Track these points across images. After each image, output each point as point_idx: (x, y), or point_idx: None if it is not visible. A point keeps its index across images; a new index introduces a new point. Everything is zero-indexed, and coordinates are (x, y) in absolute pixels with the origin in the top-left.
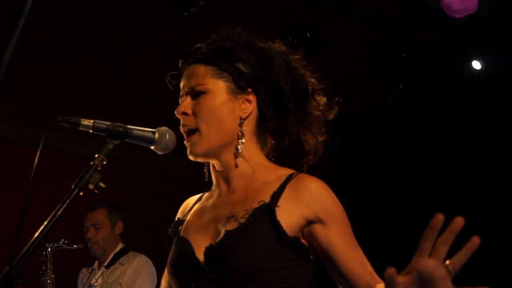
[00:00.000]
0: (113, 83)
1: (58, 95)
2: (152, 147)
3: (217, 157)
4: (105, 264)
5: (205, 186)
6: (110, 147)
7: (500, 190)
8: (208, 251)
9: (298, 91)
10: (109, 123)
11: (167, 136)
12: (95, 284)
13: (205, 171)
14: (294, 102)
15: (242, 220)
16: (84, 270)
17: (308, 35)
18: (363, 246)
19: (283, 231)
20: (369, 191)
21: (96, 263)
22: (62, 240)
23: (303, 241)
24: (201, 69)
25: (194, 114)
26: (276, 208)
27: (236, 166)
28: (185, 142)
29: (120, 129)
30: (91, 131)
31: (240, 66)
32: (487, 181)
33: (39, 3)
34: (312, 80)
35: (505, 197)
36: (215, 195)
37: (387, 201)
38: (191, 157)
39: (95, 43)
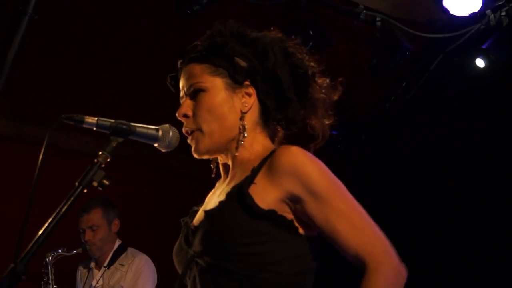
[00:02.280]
0: (117, 81)
1: (62, 93)
2: (156, 145)
3: (221, 152)
4: (105, 264)
5: (208, 184)
6: (114, 145)
7: (505, 190)
8: (191, 232)
9: (298, 77)
10: (112, 120)
11: (171, 133)
12: (96, 285)
13: (212, 167)
14: (294, 89)
15: (221, 199)
16: (82, 269)
17: (311, 33)
18: None
19: (253, 203)
20: (372, 190)
21: (93, 263)
22: (60, 248)
23: (285, 215)
24: (197, 68)
25: (195, 115)
26: (252, 183)
27: (237, 156)
28: (188, 141)
29: (124, 127)
30: (94, 128)
31: (236, 60)
32: (491, 181)
33: (43, 2)
34: (312, 63)
35: (510, 196)
36: (221, 183)
37: (390, 200)
38: (195, 155)
39: (98, 41)
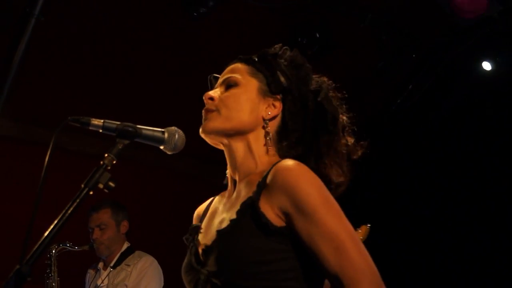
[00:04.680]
0: (123, 83)
1: (68, 94)
2: (162, 147)
3: (227, 140)
4: (111, 264)
5: (210, 186)
6: (120, 147)
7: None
8: (203, 252)
9: (333, 120)
10: (118, 122)
11: (177, 136)
12: (101, 284)
13: (227, 174)
14: (331, 126)
15: (233, 217)
16: (91, 271)
17: (317, 35)
18: (368, 246)
19: (267, 220)
20: (377, 193)
21: (101, 263)
22: (67, 242)
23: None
24: (241, 66)
25: (220, 100)
26: (260, 200)
27: (245, 159)
28: (202, 118)
29: (130, 129)
30: (101, 130)
31: (277, 73)
32: (497, 184)
33: (49, 3)
34: (345, 118)
35: None
36: (226, 197)
37: (395, 203)
38: (202, 133)
39: (104, 43)
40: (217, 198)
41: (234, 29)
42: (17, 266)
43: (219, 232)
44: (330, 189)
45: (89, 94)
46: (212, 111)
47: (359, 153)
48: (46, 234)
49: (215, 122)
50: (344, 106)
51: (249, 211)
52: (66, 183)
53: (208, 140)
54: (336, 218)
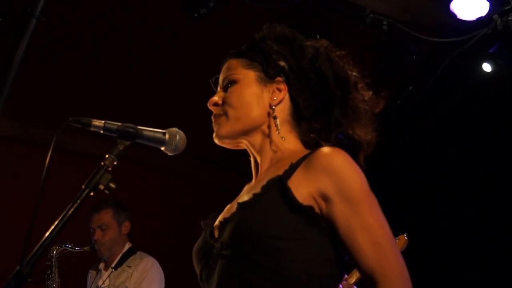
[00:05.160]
0: (123, 83)
1: (68, 95)
2: (162, 148)
3: (245, 139)
4: (113, 265)
5: (211, 186)
6: (121, 148)
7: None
8: (220, 224)
9: (339, 80)
10: (119, 123)
11: (177, 137)
12: (102, 285)
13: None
14: (337, 89)
15: (256, 191)
16: (92, 272)
17: (318, 36)
18: None
19: (293, 195)
20: (378, 194)
21: (102, 264)
22: (68, 243)
23: (319, 214)
24: (234, 62)
25: (224, 102)
26: (289, 178)
27: (267, 151)
28: (213, 125)
29: (131, 130)
30: (101, 131)
31: (271, 56)
32: (497, 184)
33: (50, 4)
34: (355, 73)
35: None
36: (251, 184)
37: (396, 204)
38: (216, 141)
39: (105, 43)
40: (246, 187)
41: (235, 30)
42: (18, 267)
43: (240, 204)
44: (362, 149)
45: (89, 95)
46: (219, 115)
47: (381, 105)
48: (46, 235)
49: (225, 127)
50: (351, 61)
51: (275, 185)
52: (66, 183)
53: (225, 145)
54: (377, 214)
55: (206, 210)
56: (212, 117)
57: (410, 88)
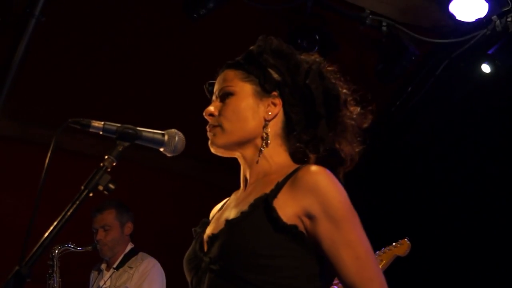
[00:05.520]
0: (122, 84)
1: (68, 95)
2: (161, 149)
3: (238, 151)
4: (115, 265)
5: (210, 187)
6: (120, 149)
7: (510, 194)
8: (209, 240)
9: (330, 98)
10: (119, 124)
11: (177, 138)
12: (104, 286)
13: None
14: (324, 107)
15: (244, 209)
16: (93, 271)
17: (317, 37)
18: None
19: (277, 216)
20: (377, 195)
21: (104, 264)
22: (70, 243)
23: (304, 232)
24: (231, 73)
25: (220, 114)
26: (275, 198)
27: (257, 163)
28: (208, 133)
29: (130, 131)
30: (101, 132)
31: (268, 70)
32: (496, 185)
33: (50, 4)
34: (345, 90)
35: None
36: (238, 194)
37: (395, 205)
38: (212, 149)
39: (105, 44)
40: (231, 196)
41: (234, 31)
42: (17, 267)
43: (228, 222)
44: (344, 165)
45: (88, 95)
46: (215, 126)
47: (368, 120)
48: (46, 235)
49: (221, 139)
50: (342, 78)
51: (261, 205)
52: (65, 183)
53: (219, 154)
54: (359, 230)
55: (205, 211)
56: (207, 127)
57: (409, 89)
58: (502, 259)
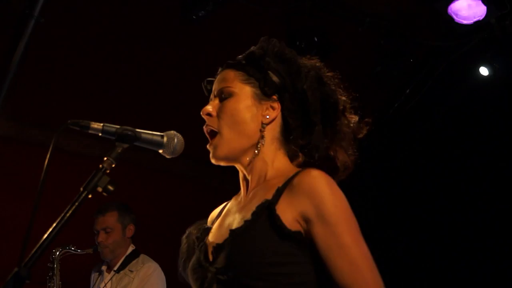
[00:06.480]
0: (122, 85)
1: (66, 96)
2: (161, 151)
3: (239, 161)
4: (115, 268)
5: (210, 188)
6: (119, 151)
7: (509, 196)
8: (214, 250)
9: (327, 106)
10: (118, 126)
11: (176, 140)
12: None
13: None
14: (321, 115)
15: (247, 218)
16: (94, 272)
17: (316, 39)
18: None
19: (282, 223)
20: (375, 197)
21: (105, 266)
22: (71, 245)
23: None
24: (231, 74)
25: (218, 116)
26: (278, 203)
27: (256, 168)
28: (208, 146)
29: (129, 133)
30: (100, 134)
31: (268, 73)
32: (494, 187)
33: (49, 5)
34: (344, 98)
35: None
36: (239, 199)
37: (393, 207)
38: (213, 161)
39: (103, 45)
40: (231, 201)
41: (233, 33)
42: (16, 269)
43: (232, 231)
44: (339, 173)
45: (87, 96)
46: (213, 133)
47: (364, 131)
48: (44, 237)
49: (222, 151)
50: (341, 86)
51: (265, 213)
52: (64, 183)
53: (220, 164)
54: (355, 234)
55: (205, 211)
56: (204, 127)
57: (407, 91)
58: (502, 259)
